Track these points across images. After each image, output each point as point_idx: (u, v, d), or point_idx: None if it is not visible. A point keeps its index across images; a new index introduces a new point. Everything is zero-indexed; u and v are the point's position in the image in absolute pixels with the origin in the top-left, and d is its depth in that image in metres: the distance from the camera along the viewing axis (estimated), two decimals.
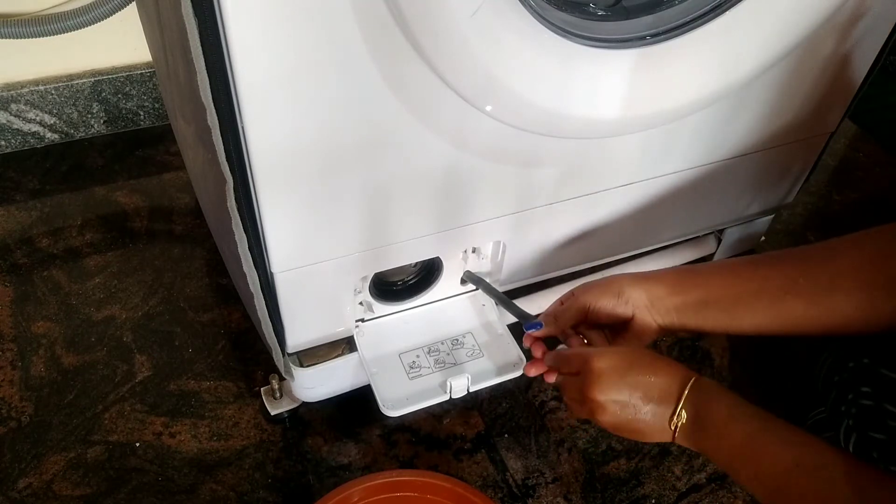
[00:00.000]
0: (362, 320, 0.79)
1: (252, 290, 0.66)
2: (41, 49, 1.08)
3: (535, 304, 0.93)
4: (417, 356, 0.79)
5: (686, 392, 0.56)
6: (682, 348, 0.95)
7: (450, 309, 0.83)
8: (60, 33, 0.97)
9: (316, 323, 0.75)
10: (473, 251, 0.79)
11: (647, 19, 0.62)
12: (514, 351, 0.79)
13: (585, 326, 0.69)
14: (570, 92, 0.60)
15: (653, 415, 0.58)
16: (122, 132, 1.22)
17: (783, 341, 0.89)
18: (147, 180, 1.14)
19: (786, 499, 0.53)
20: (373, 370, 0.77)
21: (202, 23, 0.48)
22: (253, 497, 0.77)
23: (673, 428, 0.57)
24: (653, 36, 0.62)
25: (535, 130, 0.63)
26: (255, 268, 0.64)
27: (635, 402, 0.58)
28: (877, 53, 0.82)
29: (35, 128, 1.15)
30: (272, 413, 0.82)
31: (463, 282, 0.82)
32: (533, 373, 0.68)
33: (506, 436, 0.85)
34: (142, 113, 1.22)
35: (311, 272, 0.68)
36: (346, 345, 0.79)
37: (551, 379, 0.66)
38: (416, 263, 0.80)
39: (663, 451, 0.84)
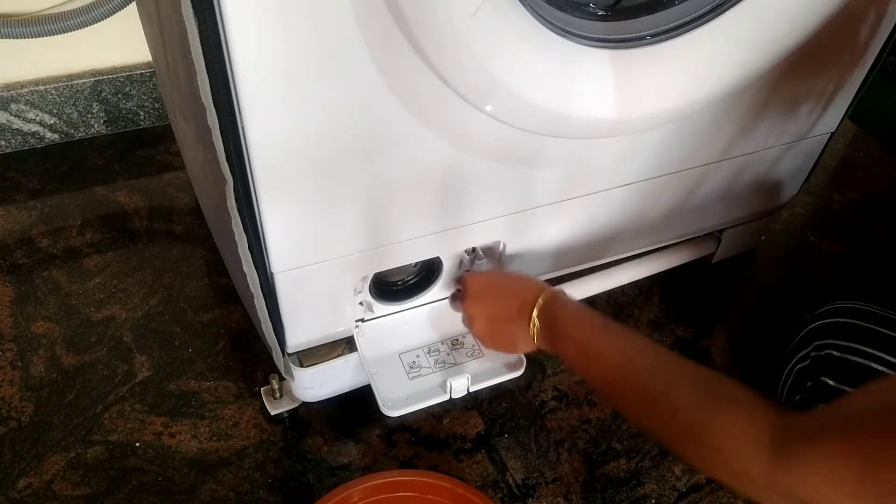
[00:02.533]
0: (362, 320, 0.79)
1: (252, 290, 0.66)
2: (41, 49, 1.08)
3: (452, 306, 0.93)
4: (417, 356, 0.79)
5: (539, 303, 0.65)
6: (682, 348, 0.96)
7: (450, 309, 0.83)
8: (60, 33, 0.97)
9: (316, 323, 0.75)
10: (473, 251, 0.79)
11: (647, 19, 0.62)
12: None
13: None
14: (570, 92, 0.60)
15: (517, 326, 0.67)
16: (122, 132, 1.22)
17: (785, 344, 0.89)
18: (147, 180, 1.14)
19: (615, 384, 0.59)
20: (373, 370, 0.77)
21: (202, 23, 0.48)
22: (253, 497, 0.77)
23: (532, 335, 0.66)
24: (653, 36, 0.62)
25: (534, 130, 0.63)
26: (255, 268, 0.64)
27: (501, 314, 0.68)
28: (877, 53, 0.82)
29: (35, 128, 1.15)
30: (272, 413, 0.82)
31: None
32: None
33: (506, 436, 0.85)
34: (142, 113, 1.22)
35: (311, 272, 0.68)
36: (346, 345, 0.79)
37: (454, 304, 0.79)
38: (416, 263, 0.80)
39: (663, 450, 0.84)
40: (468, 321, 0.73)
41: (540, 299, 0.65)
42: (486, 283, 0.71)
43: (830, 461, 0.41)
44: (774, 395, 0.90)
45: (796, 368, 0.75)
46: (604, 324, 0.64)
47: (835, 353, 0.71)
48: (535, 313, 0.65)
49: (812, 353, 0.73)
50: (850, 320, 0.72)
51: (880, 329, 0.70)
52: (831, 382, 0.70)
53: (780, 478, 0.44)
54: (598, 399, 0.89)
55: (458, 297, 0.77)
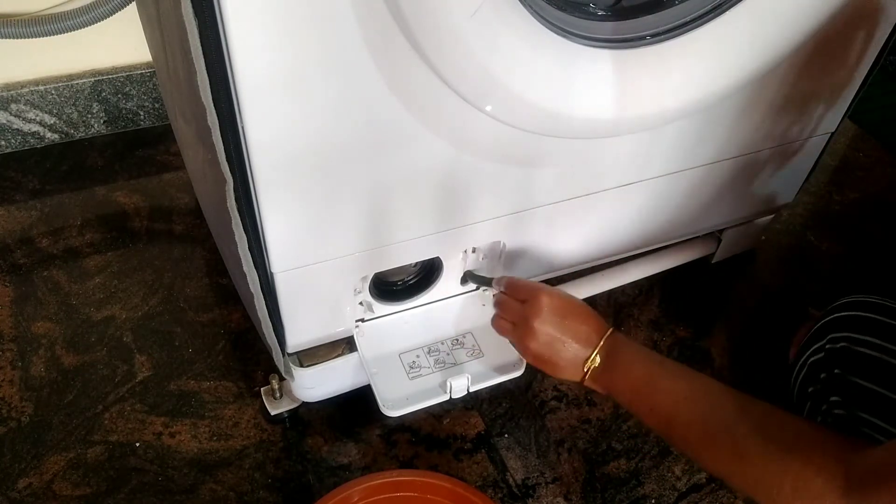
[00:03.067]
0: (362, 320, 0.79)
1: (252, 290, 0.66)
2: (41, 49, 1.08)
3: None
4: (417, 356, 0.79)
5: (602, 341, 0.66)
6: (682, 348, 0.96)
7: (450, 309, 0.83)
8: (60, 33, 0.97)
9: (316, 323, 0.75)
10: (473, 251, 0.79)
11: (647, 19, 0.62)
12: (514, 351, 0.79)
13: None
14: (570, 92, 0.60)
15: (573, 355, 0.66)
16: (122, 132, 1.22)
17: (785, 344, 0.89)
18: (147, 180, 1.14)
19: (676, 426, 0.59)
20: (373, 370, 0.77)
21: (202, 23, 0.48)
22: (253, 497, 0.77)
23: (585, 370, 0.66)
24: (653, 36, 0.62)
25: (534, 130, 0.63)
26: (255, 268, 0.64)
27: (563, 340, 0.67)
28: (877, 53, 0.82)
29: (35, 128, 1.15)
30: (272, 413, 0.82)
31: (464, 281, 0.82)
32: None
33: (506, 436, 0.85)
34: (142, 113, 1.22)
35: (311, 272, 0.68)
36: (346, 345, 0.79)
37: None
38: (416, 263, 0.80)
39: (663, 450, 0.84)
40: (523, 333, 0.69)
41: (603, 339, 0.66)
42: (561, 308, 0.68)
43: None
44: (775, 395, 0.89)
45: (810, 361, 0.74)
46: (663, 361, 0.64)
47: (850, 345, 0.70)
48: (596, 351, 0.66)
49: (827, 346, 0.72)
50: (865, 314, 0.72)
51: (894, 322, 0.70)
52: (845, 374, 0.69)
53: None
54: (599, 399, 0.89)
55: (507, 307, 0.73)
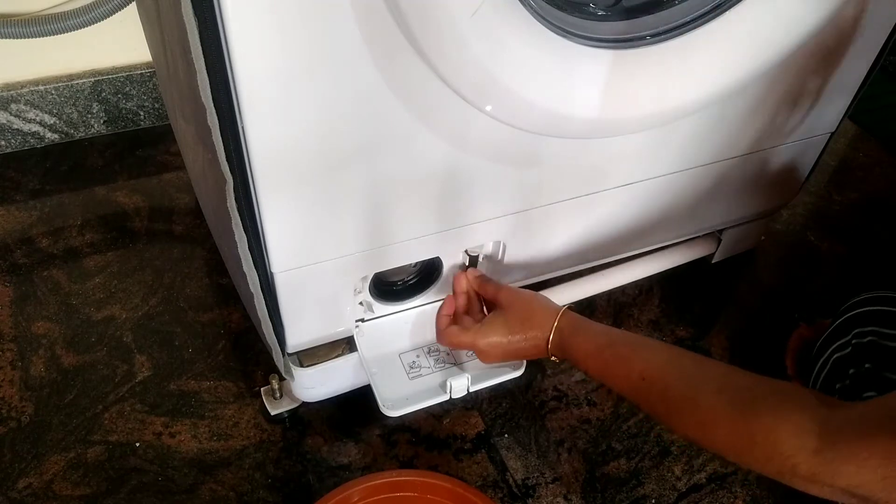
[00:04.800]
0: (362, 320, 0.79)
1: (252, 290, 0.66)
2: (41, 49, 1.08)
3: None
4: (417, 356, 0.79)
5: (551, 341, 0.68)
6: (682, 347, 0.95)
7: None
8: (60, 33, 0.97)
9: (316, 323, 0.75)
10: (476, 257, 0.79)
11: (647, 19, 0.62)
12: None
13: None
14: (570, 92, 0.60)
15: (532, 352, 0.70)
16: (122, 132, 1.22)
17: (786, 342, 0.89)
18: (147, 180, 1.14)
19: (645, 392, 0.59)
20: (373, 370, 0.77)
21: (202, 23, 0.48)
22: (253, 497, 0.77)
23: (550, 357, 0.69)
24: (653, 36, 0.62)
25: (534, 130, 0.63)
26: (255, 268, 0.64)
27: (514, 348, 0.70)
28: (877, 53, 0.82)
29: (35, 128, 1.15)
30: (272, 413, 0.82)
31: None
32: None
33: (506, 436, 0.85)
34: (142, 113, 1.22)
35: (311, 272, 0.68)
36: (346, 345, 0.79)
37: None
38: (416, 263, 0.80)
39: (663, 450, 0.84)
40: (479, 356, 0.73)
41: (551, 335, 0.68)
42: (499, 343, 0.71)
43: (880, 456, 0.42)
44: None
45: (835, 357, 0.73)
46: (619, 333, 0.66)
47: (878, 340, 0.69)
48: (549, 347, 0.68)
49: (853, 341, 0.71)
50: (888, 308, 0.71)
51: None
52: (878, 369, 0.68)
53: (827, 470, 0.45)
54: (599, 399, 0.89)
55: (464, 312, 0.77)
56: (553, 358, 0.69)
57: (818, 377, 0.76)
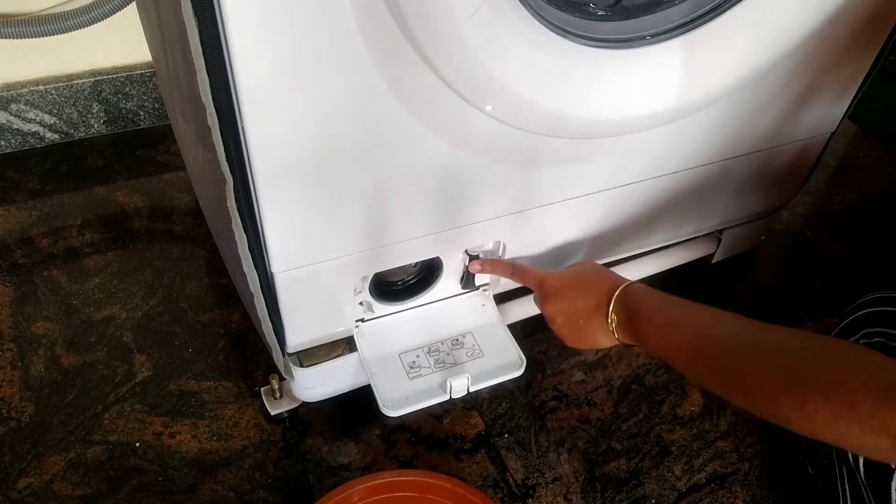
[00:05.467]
0: (362, 320, 0.79)
1: (252, 290, 0.66)
2: (41, 49, 1.08)
3: (535, 304, 0.93)
4: (417, 356, 0.79)
5: (613, 302, 0.66)
6: None
7: (450, 309, 0.83)
8: (60, 33, 0.97)
9: (316, 323, 0.75)
10: (476, 257, 0.79)
11: (647, 19, 0.62)
12: (514, 351, 0.79)
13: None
14: (570, 92, 0.60)
15: (596, 322, 0.67)
16: (122, 132, 1.22)
17: None
18: (147, 180, 1.14)
19: (702, 358, 0.58)
20: (373, 370, 0.77)
21: (202, 23, 0.48)
22: (253, 497, 0.77)
23: (612, 330, 0.66)
24: (653, 36, 0.62)
25: (534, 130, 0.63)
26: (255, 268, 0.64)
27: (578, 311, 0.69)
28: (877, 53, 0.82)
29: (35, 128, 1.15)
30: (272, 413, 0.82)
31: (463, 281, 0.82)
32: (477, 269, 0.80)
33: (506, 436, 0.85)
34: (142, 113, 1.22)
35: (311, 272, 0.68)
36: (346, 345, 0.79)
37: (481, 269, 0.80)
38: (416, 263, 0.80)
39: (663, 450, 0.84)
40: (548, 319, 0.72)
41: (613, 298, 0.66)
42: (561, 283, 0.71)
43: None
44: None
45: None
46: (682, 303, 0.63)
47: (887, 341, 0.69)
48: (610, 309, 0.66)
49: (861, 342, 0.70)
50: (895, 309, 0.71)
51: None
52: None
53: (891, 411, 0.44)
54: (599, 399, 0.89)
55: (506, 271, 0.78)
56: (612, 322, 0.66)
57: None
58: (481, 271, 0.80)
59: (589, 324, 0.68)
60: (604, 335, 0.67)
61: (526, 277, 0.75)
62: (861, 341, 0.71)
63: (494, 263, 0.79)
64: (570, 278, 0.71)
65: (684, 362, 0.60)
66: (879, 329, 0.70)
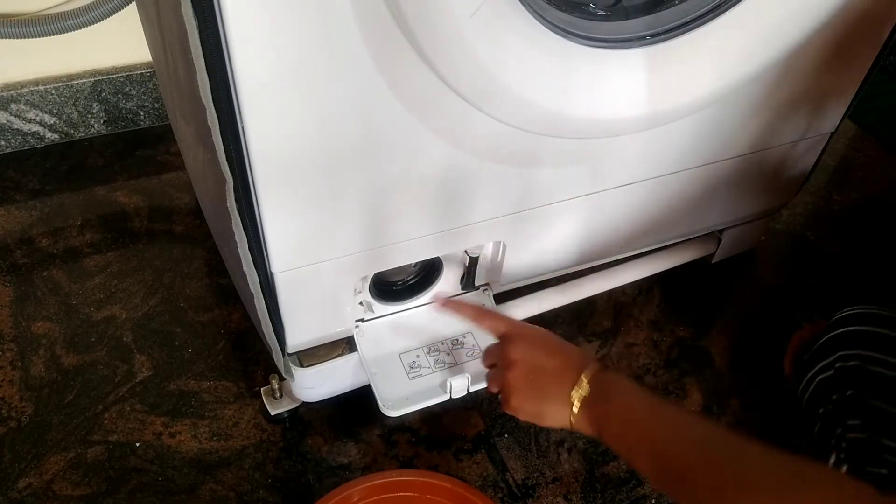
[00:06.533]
0: (362, 320, 0.79)
1: (252, 290, 0.66)
2: (41, 49, 1.08)
3: (535, 304, 0.93)
4: (417, 356, 0.79)
5: (585, 378, 0.57)
6: (682, 348, 0.96)
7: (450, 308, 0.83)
8: (60, 33, 0.97)
9: (316, 323, 0.75)
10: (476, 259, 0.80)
11: (647, 19, 0.62)
12: None
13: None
14: (570, 92, 0.60)
15: (556, 390, 0.58)
16: (122, 132, 1.22)
17: (783, 346, 0.89)
18: (147, 180, 1.14)
19: (683, 466, 0.51)
20: (373, 370, 0.77)
21: (202, 23, 0.48)
22: (253, 497, 0.77)
23: (572, 401, 0.57)
24: (653, 36, 0.62)
25: (534, 130, 0.63)
26: (255, 268, 0.64)
27: (540, 370, 0.59)
28: (877, 53, 0.82)
29: (35, 128, 1.15)
30: (272, 413, 0.82)
31: (463, 281, 0.82)
32: (440, 307, 0.72)
33: (506, 436, 0.85)
34: (142, 113, 1.22)
35: (311, 272, 0.68)
36: (346, 345, 0.79)
37: (444, 307, 0.71)
38: (416, 263, 0.80)
39: None
40: (506, 366, 0.62)
41: (593, 370, 0.57)
42: (533, 334, 0.63)
43: None
44: (775, 395, 0.89)
45: (818, 378, 0.72)
46: (661, 399, 0.56)
47: (863, 364, 0.67)
48: (583, 382, 0.57)
49: (837, 364, 0.69)
50: (874, 328, 0.69)
51: None
52: (862, 396, 0.66)
53: None
54: None
55: (488, 353, 0.68)
56: (577, 393, 0.57)
57: (802, 397, 0.75)
58: (444, 309, 0.72)
59: (547, 387, 0.59)
60: (559, 408, 0.58)
61: (494, 321, 0.66)
62: (837, 364, 0.70)
63: (460, 304, 0.71)
64: (542, 333, 0.63)
65: (657, 468, 0.53)
66: (856, 351, 0.69)
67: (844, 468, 0.65)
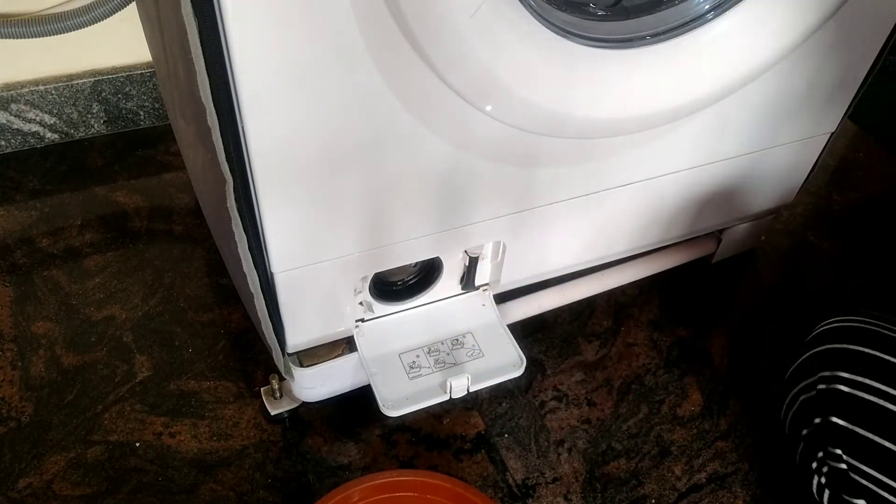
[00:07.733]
0: (362, 320, 0.79)
1: (252, 290, 0.66)
2: (41, 49, 1.08)
3: (535, 304, 0.93)
4: (417, 356, 0.79)
5: None
6: (682, 348, 0.96)
7: (450, 309, 0.83)
8: (60, 33, 0.97)
9: (316, 323, 0.75)
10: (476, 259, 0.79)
11: (647, 19, 0.63)
12: (513, 351, 0.79)
13: None
14: (570, 92, 0.60)
15: None
16: (122, 132, 1.22)
17: (786, 346, 0.89)
18: (147, 180, 1.14)
19: None
20: (373, 370, 0.77)
21: (202, 23, 0.48)
22: (253, 497, 0.77)
23: None
24: (653, 36, 0.62)
25: (535, 130, 0.63)
26: (255, 268, 0.64)
27: None
28: (877, 53, 0.82)
29: (35, 128, 1.15)
30: (272, 413, 0.82)
31: (463, 281, 0.82)
32: None
33: (506, 436, 0.85)
34: (142, 113, 1.22)
35: (311, 272, 0.68)
36: (346, 345, 0.79)
37: None
38: (416, 263, 0.80)
39: (663, 450, 0.84)
40: None
41: None
42: None
43: None
44: (774, 395, 0.90)
45: (801, 399, 0.71)
46: None
47: (844, 388, 0.66)
48: None
49: (819, 385, 0.69)
50: (857, 347, 0.67)
51: (890, 358, 0.66)
52: (841, 423, 0.66)
53: None
54: (598, 399, 0.89)
55: None
56: None
57: (786, 415, 0.75)
58: None
59: None
60: None
61: None
62: (819, 385, 0.69)
63: None
64: None
65: None
66: (837, 373, 0.67)
67: (826, 494, 0.65)
